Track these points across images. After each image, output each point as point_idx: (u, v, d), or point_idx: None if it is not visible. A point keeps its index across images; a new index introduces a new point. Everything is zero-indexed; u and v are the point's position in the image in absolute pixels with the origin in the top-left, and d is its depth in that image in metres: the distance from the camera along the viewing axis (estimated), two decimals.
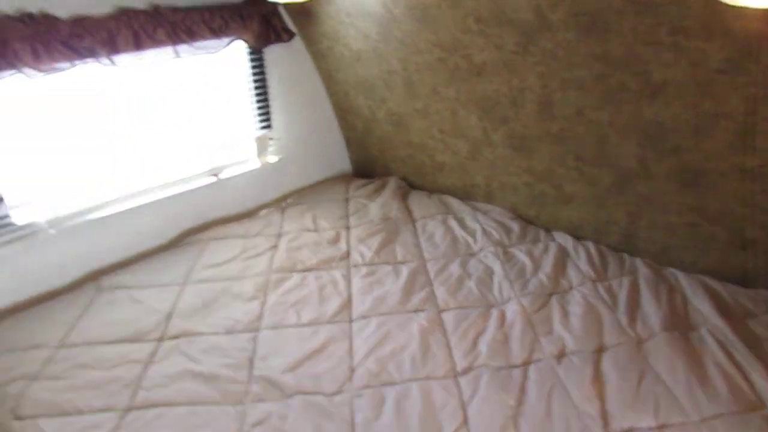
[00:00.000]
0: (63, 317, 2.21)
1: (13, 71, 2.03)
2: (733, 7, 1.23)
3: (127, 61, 2.37)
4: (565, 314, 2.19)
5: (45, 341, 2.08)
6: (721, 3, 1.23)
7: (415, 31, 2.55)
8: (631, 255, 2.55)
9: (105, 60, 2.27)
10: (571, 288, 2.36)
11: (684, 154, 2.12)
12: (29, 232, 2.35)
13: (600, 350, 1.99)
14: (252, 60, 3.03)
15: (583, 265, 2.49)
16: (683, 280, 2.32)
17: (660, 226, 2.44)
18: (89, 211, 2.54)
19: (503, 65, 2.39)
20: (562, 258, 2.56)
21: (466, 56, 2.49)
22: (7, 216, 2.28)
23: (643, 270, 2.42)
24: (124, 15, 2.31)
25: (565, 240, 2.70)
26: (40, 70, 2.09)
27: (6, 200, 2.26)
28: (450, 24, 2.39)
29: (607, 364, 1.92)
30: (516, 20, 2.14)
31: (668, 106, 2.02)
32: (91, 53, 2.21)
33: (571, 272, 2.46)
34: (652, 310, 2.15)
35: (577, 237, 2.72)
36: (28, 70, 2.06)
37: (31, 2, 2.08)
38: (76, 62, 2.19)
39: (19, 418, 1.74)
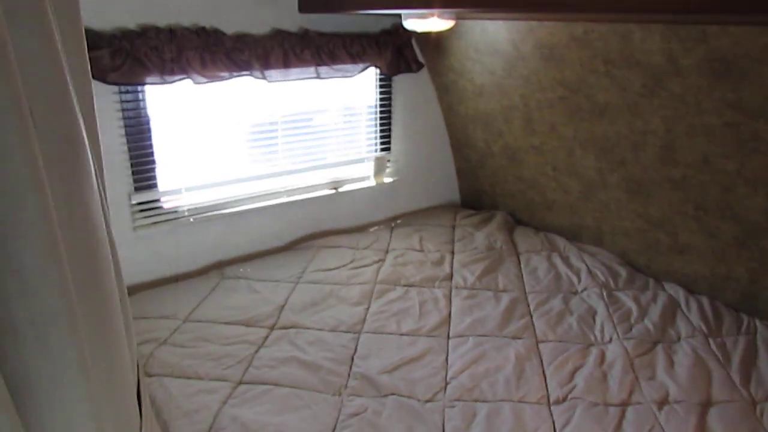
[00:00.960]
0: (191, 296, 2.47)
1: (184, 76, 2.36)
2: None
3: (276, 76, 2.65)
4: (671, 363, 2.12)
5: (174, 313, 2.34)
6: None
7: (541, 69, 2.64)
8: (749, 315, 2.41)
9: (258, 73, 2.56)
10: (679, 339, 2.28)
11: None
12: (173, 217, 2.66)
13: (707, 404, 1.90)
14: (381, 86, 3.25)
15: (695, 318, 2.39)
16: None
17: None
18: (223, 206, 2.82)
19: (626, 107, 2.41)
20: (672, 308, 2.47)
21: (590, 96, 2.53)
22: (158, 200, 2.61)
23: (762, 332, 2.28)
24: (278, 35, 2.60)
25: (677, 291, 2.60)
26: (206, 77, 2.40)
27: (159, 186, 2.59)
28: (576, 63, 2.45)
29: (713, 419, 1.83)
30: (645, 63, 2.17)
31: None
32: (247, 66, 2.52)
33: (681, 323, 2.37)
34: None
35: (690, 290, 2.61)
36: (195, 76, 2.38)
37: (204, 18, 2.42)
38: (235, 74, 2.49)
39: (148, 374, 1.97)
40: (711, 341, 2.25)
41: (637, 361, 2.12)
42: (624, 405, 1.90)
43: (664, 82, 2.18)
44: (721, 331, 2.32)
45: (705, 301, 2.51)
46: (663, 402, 1.92)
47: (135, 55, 2.23)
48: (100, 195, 0.71)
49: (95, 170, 0.69)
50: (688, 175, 2.38)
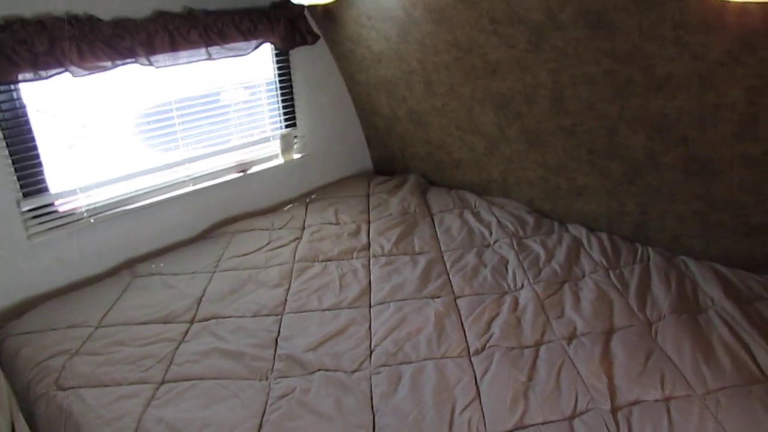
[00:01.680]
0: (101, 300, 2.37)
1: (61, 69, 2.20)
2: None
3: (164, 61, 2.53)
4: (577, 299, 2.27)
5: (85, 321, 2.24)
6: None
7: (434, 32, 2.67)
8: (643, 244, 2.62)
9: (144, 60, 2.43)
10: (583, 276, 2.44)
11: (690, 145, 2.20)
12: (71, 220, 2.52)
13: (610, 332, 2.07)
14: (278, 61, 3.18)
15: (596, 255, 2.57)
16: (693, 267, 2.39)
17: (670, 216, 2.50)
18: (125, 202, 2.70)
19: (516, 63, 2.49)
20: (576, 248, 2.64)
21: (482, 55, 2.59)
22: (51, 204, 2.46)
23: (654, 258, 2.49)
24: (161, 17, 2.47)
25: (579, 231, 2.77)
26: (85, 69, 2.26)
27: (51, 189, 2.44)
28: (465, 25, 2.50)
29: (616, 344, 2.00)
30: (527, 20, 2.24)
31: (673, 99, 2.10)
32: (131, 53, 2.38)
33: (584, 261, 2.54)
34: (662, 295, 2.23)
35: (591, 228, 2.80)
36: (74, 69, 2.23)
37: (77, 5, 2.26)
38: (118, 62, 2.36)
39: (61, 388, 1.89)
40: (611, 273, 2.43)
41: (546, 302, 2.26)
42: (537, 345, 2.03)
43: (546, 36, 2.26)
44: (619, 262, 2.51)
45: (604, 237, 2.70)
46: (572, 337, 2.06)
47: (2, 51, 2.06)
48: None
49: None
50: (577, 123, 2.52)
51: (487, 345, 2.05)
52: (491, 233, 2.83)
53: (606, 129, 2.42)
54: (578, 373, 1.86)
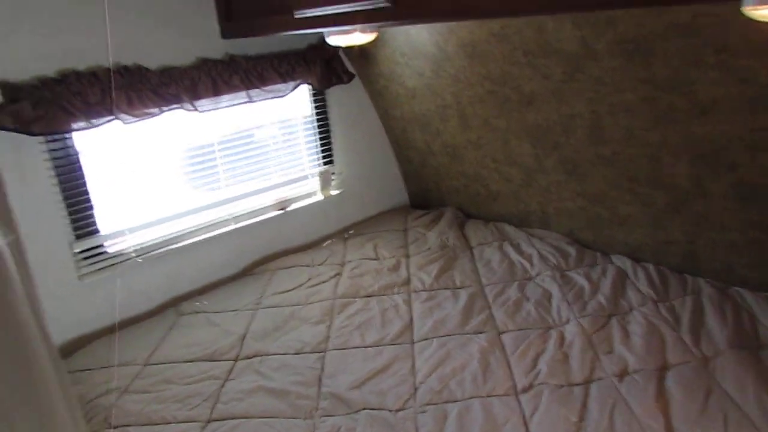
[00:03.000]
0: (148, 338, 2.42)
1: (111, 117, 2.30)
2: None
3: (207, 105, 2.62)
4: (626, 334, 2.20)
5: (133, 359, 2.28)
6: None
7: (467, 66, 2.70)
8: (693, 275, 2.53)
9: (188, 105, 2.52)
10: (631, 309, 2.37)
11: (741, 171, 2.14)
12: (120, 260, 2.60)
13: (663, 368, 1.99)
14: (315, 101, 3.26)
15: (643, 287, 2.50)
16: (750, 299, 2.29)
17: (721, 245, 2.42)
18: (171, 241, 2.77)
19: (552, 94, 2.49)
20: (621, 280, 2.57)
21: (516, 87, 2.60)
22: (101, 245, 2.54)
23: (706, 289, 2.40)
24: (204, 64, 2.58)
25: (624, 262, 2.71)
26: (134, 116, 2.35)
27: (101, 231, 2.52)
28: (499, 58, 2.52)
29: (671, 382, 1.92)
30: (562, 51, 2.25)
31: (719, 124, 2.06)
32: (176, 99, 2.48)
33: (631, 293, 2.47)
34: (717, 329, 2.14)
35: (636, 259, 2.73)
36: (123, 116, 2.33)
37: (126, 56, 2.37)
38: (164, 108, 2.45)
39: (111, 427, 1.92)
40: (660, 306, 2.35)
41: (594, 337, 2.20)
42: (587, 383, 1.97)
43: (582, 66, 2.26)
44: (668, 295, 2.43)
45: (651, 267, 2.62)
46: (623, 374, 1.99)
47: (58, 103, 2.17)
48: (26, 284, 0.69)
49: (22, 274, 0.67)
50: (616, 151, 2.49)
51: (535, 382, 2.00)
52: (533, 266, 2.79)
53: (647, 157, 2.38)
54: (632, 412, 1.79)
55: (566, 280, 2.62)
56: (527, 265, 2.81)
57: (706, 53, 1.86)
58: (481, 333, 2.31)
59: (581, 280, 2.61)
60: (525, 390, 1.97)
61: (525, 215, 3.22)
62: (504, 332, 2.31)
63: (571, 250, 2.87)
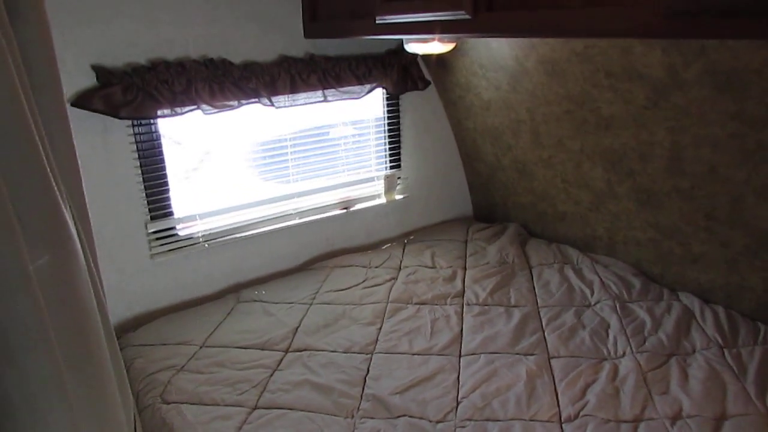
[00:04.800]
0: (208, 321, 2.53)
1: (194, 107, 2.43)
2: None
3: (283, 102, 2.71)
4: (685, 377, 2.10)
5: (192, 339, 2.40)
6: None
7: (545, 83, 2.65)
8: (766, 324, 2.38)
9: (266, 100, 2.62)
10: (693, 351, 2.26)
11: None
12: (188, 244, 2.73)
13: (721, 418, 1.89)
14: (388, 104, 3.30)
15: (710, 329, 2.37)
16: None
17: None
18: (237, 230, 2.88)
19: (631, 119, 2.41)
20: (687, 319, 2.45)
21: (594, 109, 2.53)
22: (173, 228, 2.68)
23: None
24: (285, 62, 2.66)
25: (692, 301, 2.58)
26: (214, 107, 2.47)
27: (175, 214, 2.66)
28: (580, 77, 2.46)
29: None
30: (647, 76, 2.17)
31: None
32: (255, 94, 2.58)
33: (696, 335, 2.35)
34: None
35: (706, 300, 2.59)
36: (205, 107, 2.45)
37: (212, 50, 2.49)
38: (243, 102, 2.56)
39: (165, 402, 2.03)
40: (726, 352, 2.23)
41: (650, 375, 2.11)
42: (636, 421, 1.90)
43: (667, 94, 2.18)
44: (737, 341, 2.30)
45: (721, 310, 2.48)
46: (676, 417, 1.91)
47: (146, 90, 2.30)
48: (90, 266, 0.76)
49: (84, 248, 0.74)
50: (696, 185, 2.37)
51: (581, 413, 1.94)
52: (593, 293, 2.71)
53: (729, 195, 2.26)
54: None
55: (627, 312, 2.53)
56: (587, 291, 2.73)
57: None
58: (530, 355, 2.27)
59: (643, 314, 2.50)
60: (570, 419, 1.92)
61: (591, 240, 3.13)
62: (555, 357, 2.26)
63: (636, 282, 2.76)
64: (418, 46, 2.37)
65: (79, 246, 0.70)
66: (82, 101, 2.19)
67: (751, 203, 2.23)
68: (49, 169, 0.61)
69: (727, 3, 1.13)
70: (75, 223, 0.72)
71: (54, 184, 0.63)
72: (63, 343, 0.59)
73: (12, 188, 0.54)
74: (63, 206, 0.65)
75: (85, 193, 0.80)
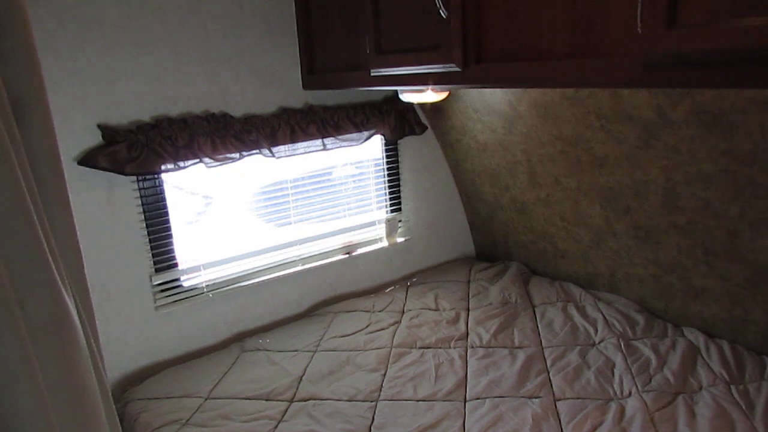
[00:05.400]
0: (212, 372, 2.53)
1: (196, 161, 2.49)
2: None
3: (283, 151, 2.77)
4: (692, 415, 2.08)
5: (196, 391, 2.39)
6: None
7: (539, 125, 2.71)
8: None
9: (266, 151, 2.69)
10: (700, 388, 2.24)
11: None
12: (193, 294, 2.76)
13: None
14: (387, 149, 3.36)
15: (716, 366, 2.35)
16: None
17: None
18: (241, 279, 2.91)
19: (625, 158, 2.45)
20: (692, 355, 2.44)
21: (588, 149, 2.59)
22: (178, 279, 2.71)
23: None
24: (284, 113, 2.74)
25: (696, 337, 2.57)
26: (217, 160, 2.54)
27: (179, 266, 2.70)
28: (572, 119, 2.52)
29: None
30: (636, 117, 2.23)
31: None
32: (256, 145, 2.65)
33: (702, 371, 2.33)
34: None
35: (710, 334, 2.58)
36: (207, 160, 2.51)
37: (213, 104, 2.57)
38: (244, 153, 2.62)
39: None
40: (733, 389, 2.21)
41: (657, 416, 2.09)
42: None
43: (657, 134, 2.23)
44: (743, 377, 2.28)
45: (726, 345, 2.47)
46: None
47: (150, 146, 2.37)
48: (93, 353, 0.78)
49: (86, 327, 0.76)
50: (692, 221, 2.40)
51: None
52: (597, 331, 2.70)
53: (726, 230, 2.29)
54: None
55: (632, 350, 2.52)
56: (591, 329, 2.73)
57: None
58: (536, 398, 2.25)
59: (648, 352, 2.49)
60: None
61: (593, 277, 3.14)
62: (560, 399, 2.24)
63: (640, 319, 2.76)
64: (413, 96, 2.44)
65: (80, 330, 0.73)
66: (87, 160, 2.26)
67: (747, 237, 2.24)
68: (49, 254, 0.65)
69: (703, 56, 1.18)
70: (76, 304, 0.75)
71: (54, 268, 0.66)
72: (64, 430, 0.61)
73: (13, 275, 0.57)
74: (64, 292, 0.69)
75: (85, 268, 0.84)
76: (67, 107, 2.25)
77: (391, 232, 3.43)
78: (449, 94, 2.68)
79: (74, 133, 2.28)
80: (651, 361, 2.42)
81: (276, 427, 2.16)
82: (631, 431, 2.02)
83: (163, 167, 2.44)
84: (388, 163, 3.40)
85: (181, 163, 2.48)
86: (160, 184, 2.57)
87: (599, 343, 2.62)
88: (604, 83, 1.56)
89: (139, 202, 2.52)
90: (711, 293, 2.55)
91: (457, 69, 1.85)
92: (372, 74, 2.25)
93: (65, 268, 0.69)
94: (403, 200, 3.50)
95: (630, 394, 2.24)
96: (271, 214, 3.06)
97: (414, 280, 3.45)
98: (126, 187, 2.47)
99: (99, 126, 2.31)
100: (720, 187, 2.19)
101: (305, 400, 2.31)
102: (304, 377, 2.47)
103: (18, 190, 0.57)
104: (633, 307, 2.87)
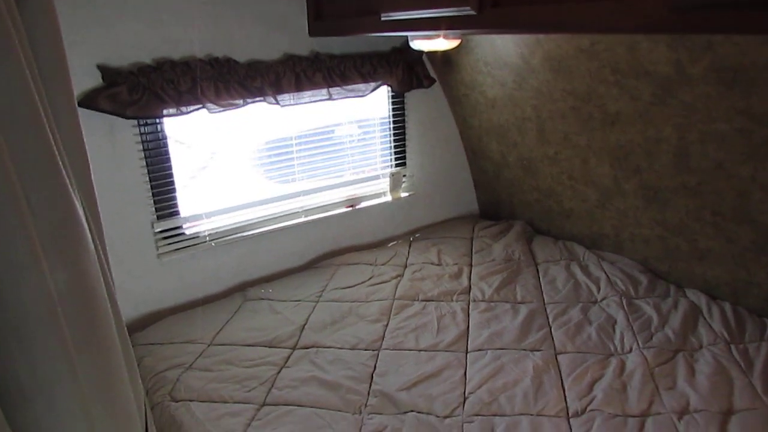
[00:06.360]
0: (215, 319, 2.55)
1: (199, 106, 2.44)
2: None
3: (288, 100, 2.72)
4: (692, 372, 2.10)
5: (199, 338, 2.41)
6: None
7: (551, 80, 2.65)
8: None
9: (271, 99, 2.63)
10: (700, 347, 2.26)
11: None
12: (195, 243, 2.74)
13: (728, 413, 1.89)
14: (393, 102, 3.30)
15: (717, 325, 2.37)
16: None
17: None
18: (243, 228, 2.89)
19: (638, 116, 2.40)
20: (694, 315, 2.45)
21: (601, 106, 2.53)
22: (180, 227, 2.69)
23: None
24: (290, 60, 2.67)
25: (698, 298, 2.57)
26: (220, 106, 2.48)
27: (181, 213, 2.67)
28: (586, 74, 2.46)
29: (734, 427, 1.82)
30: (653, 72, 2.17)
31: None
32: (260, 92, 2.59)
33: (703, 331, 2.35)
34: None
35: (713, 296, 2.59)
36: (210, 106, 2.46)
37: (217, 48, 2.50)
38: (248, 100, 2.57)
39: (174, 399, 2.04)
40: (733, 348, 2.22)
41: (657, 371, 2.12)
42: (643, 416, 1.90)
43: (673, 90, 2.17)
44: (743, 337, 2.29)
45: (727, 307, 2.48)
46: (683, 412, 1.91)
47: (152, 89, 2.32)
48: (99, 257, 0.77)
49: (94, 237, 0.75)
50: (703, 182, 2.37)
51: (588, 408, 1.95)
52: (599, 289, 2.71)
53: (736, 191, 2.26)
54: None
55: (634, 309, 2.53)
56: (593, 287, 2.73)
57: None
58: (537, 351, 2.27)
59: (650, 310, 2.50)
60: (577, 414, 1.92)
61: (597, 237, 3.13)
62: (561, 353, 2.26)
63: (643, 279, 2.76)
64: (424, 43, 2.37)
65: (92, 245, 0.71)
66: (88, 101, 2.20)
67: (757, 199, 2.22)
68: (62, 166, 0.62)
69: None
70: (88, 221, 0.72)
71: (68, 182, 0.64)
72: (74, 330, 0.60)
73: (25, 185, 0.55)
74: (78, 208, 0.66)
75: (96, 191, 0.81)
76: (66, 47, 2.17)
77: (395, 186, 3.40)
78: (461, 43, 2.61)
79: (73, 74, 2.17)
80: (653, 320, 2.43)
81: (279, 372, 2.18)
82: (631, 384, 2.04)
83: (165, 111, 2.38)
84: (394, 117, 3.34)
85: (184, 108, 2.42)
86: (162, 130, 2.52)
87: (601, 300, 2.62)
88: (627, 28, 1.50)
89: (141, 147, 2.48)
90: (716, 255, 2.54)
91: (472, 12, 1.78)
92: (382, 19, 2.17)
93: (71, 169, 0.66)
94: (408, 155, 3.46)
95: (631, 350, 2.25)
96: (275, 171, 3.03)
97: (417, 235, 3.44)
98: (127, 131, 2.42)
99: (99, 67, 2.24)
100: (734, 148, 2.15)
101: (307, 348, 2.33)
102: (306, 326, 2.48)
103: (21, 72, 0.54)
104: (636, 267, 2.87)
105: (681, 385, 2.03)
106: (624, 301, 2.58)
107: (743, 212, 2.30)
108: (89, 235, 0.72)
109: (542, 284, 2.81)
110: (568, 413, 1.93)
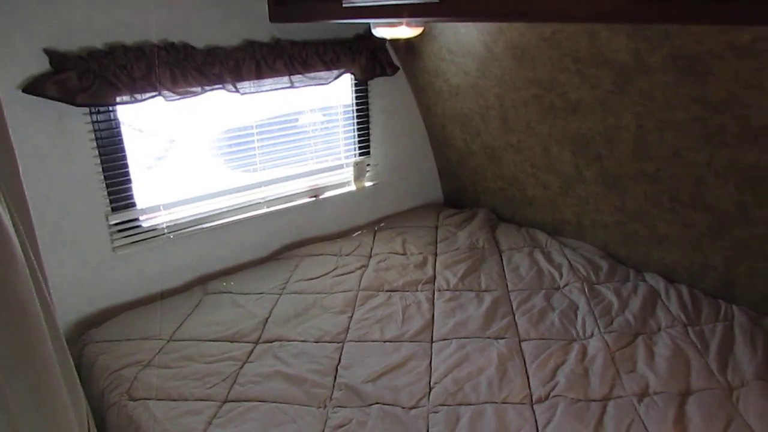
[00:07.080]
0: (174, 314, 2.47)
1: (155, 93, 2.34)
2: None
3: (248, 88, 2.64)
4: (651, 355, 2.15)
5: (158, 334, 2.34)
6: None
7: (514, 68, 2.65)
8: (728, 302, 2.45)
9: (230, 86, 2.55)
10: (659, 329, 2.31)
11: None
12: (153, 235, 2.65)
13: (686, 393, 1.94)
14: (357, 90, 3.26)
15: (674, 308, 2.43)
16: None
17: (761, 274, 2.34)
18: (203, 220, 2.81)
19: (598, 104, 2.43)
20: (652, 299, 2.51)
21: (562, 94, 2.55)
22: (136, 219, 2.60)
23: (739, 318, 2.32)
24: (250, 46, 2.59)
25: (657, 282, 2.64)
26: (177, 94, 2.39)
27: (137, 205, 2.58)
28: (547, 63, 2.47)
29: (692, 407, 1.87)
30: (613, 61, 2.19)
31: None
32: (219, 80, 2.51)
33: (661, 314, 2.40)
34: (746, 359, 2.07)
35: (670, 280, 2.66)
36: (166, 93, 2.37)
37: (173, 34, 2.40)
38: (206, 88, 2.48)
39: (132, 399, 1.97)
40: (690, 330, 2.28)
41: (617, 355, 2.16)
42: (605, 400, 1.93)
43: (632, 79, 2.20)
44: (700, 319, 2.36)
45: (684, 290, 2.55)
46: (643, 394, 1.95)
47: (103, 75, 2.21)
48: (31, 264, 0.71)
49: (24, 243, 0.69)
50: (661, 168, 2.41)
51: (552, 394, 1.97)
52: (562, 276, 2.74)
53: (692, 177, 2.31)
54: None
55: (595, 294, 2.57)
56: (556, 274, 2.77)
57: (764, 77, 1.78)
58: (501, 339, 2.28)
59: (610, 295, 2.55)
60: (540, 400, 1.94)
61: (559, 224, 3.16)
62: (525, 340, 2.28)
63: (603, 264, 2.81)
64: (386, 31, 2.33)
65: (18, 250, 0.65)
66: (34, 87, 2.09)
67: (712, 185, 2.27)
68: None
69: None
70: (14, 224, 0.67)
71: None
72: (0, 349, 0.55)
73: None
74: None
75: (25, 189, 0.75)
76: (9, 28, 2.05)
77: (359, 175, 3.36)
78: (424, 31, 2.58)
79: (18, 58, 2.10)
80: (613, 304, 2.48)
81: (241, 367, 2.13)
82: (593, 369, 2.07)
83: (118, 99, 2.28)
84: (358, 105, 3.30)
85: (138, 96, 2.32)
86: (116, 118, 2.42)
87: (564, 287, 2.66)
88: (589, 17, 1.50)
89: (93, 136, 2.37)
90: (673, 240, 2.60)
91: (434, 0, 1.76)
92: (344, 5, 2.13)
93: (2, 185, 0.61)
94: (372, 144, 3.43)
95: (592, 335, 2.29)
96: (236, 160, 2.95)
97: (382, 225, 3.42)
98: (78, 120, 2.31)
99: (46, 51, 2.12)
100: (690, 135, 2.20)
101: (271, 342, 2.29)
102: (269, 319, 2.44)
103: None
104: (597, 253, 2.92)
105: (641, 368, 2.08)
106: (585, 287, 2.62)
107: (699, 198, 2.36)
108: (15, 241, 0.66)
109: (506, 272, 2.83)
110: (532, 400, 1.95)
